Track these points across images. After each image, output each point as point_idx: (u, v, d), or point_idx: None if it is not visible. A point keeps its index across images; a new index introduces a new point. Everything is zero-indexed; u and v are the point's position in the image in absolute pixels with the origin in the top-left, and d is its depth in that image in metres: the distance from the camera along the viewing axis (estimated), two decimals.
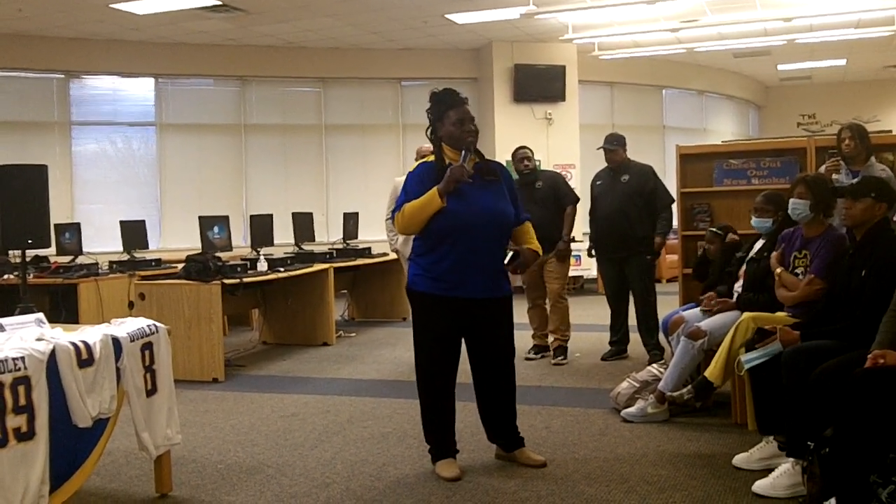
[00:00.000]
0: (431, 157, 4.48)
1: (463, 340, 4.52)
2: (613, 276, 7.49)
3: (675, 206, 7.38)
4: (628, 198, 7.26)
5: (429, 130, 4.51)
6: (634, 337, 7.52)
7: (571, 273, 12.34)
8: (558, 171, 10.52)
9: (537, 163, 7.58)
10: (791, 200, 4.89)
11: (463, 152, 4.33)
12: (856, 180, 4.95)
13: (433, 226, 4.27)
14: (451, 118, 4.38)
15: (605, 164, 7.53)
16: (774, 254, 5.01)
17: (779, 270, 4.90)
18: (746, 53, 14.99)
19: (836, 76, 17.99)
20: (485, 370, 4.55)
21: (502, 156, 12.85)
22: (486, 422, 4.66)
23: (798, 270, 4.84)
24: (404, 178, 7.46)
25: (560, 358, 7.42)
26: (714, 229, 6.27)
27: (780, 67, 16.91)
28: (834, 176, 5.75)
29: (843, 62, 16.29)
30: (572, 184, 13.35)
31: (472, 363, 4.57)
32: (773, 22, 11.87)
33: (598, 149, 7.56)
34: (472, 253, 4.29)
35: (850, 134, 5.84)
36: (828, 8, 11.20)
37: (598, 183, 7.56)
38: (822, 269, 4.64)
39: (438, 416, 4.50)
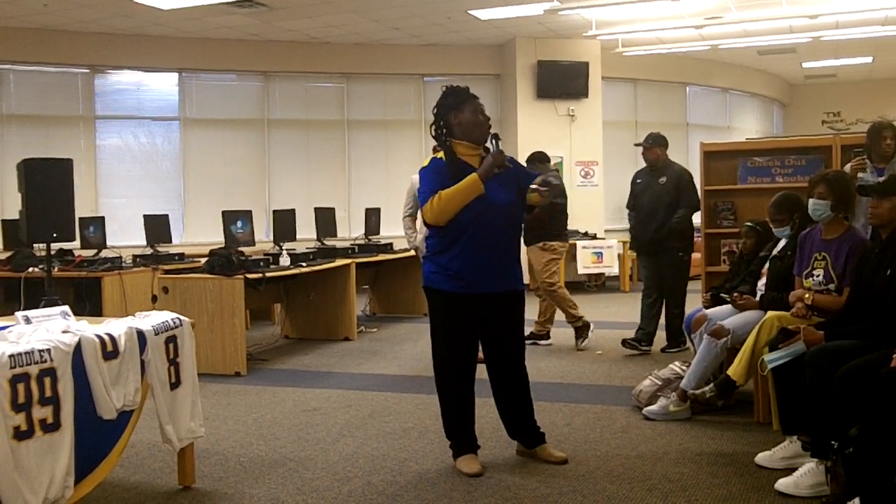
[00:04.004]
0: (440, 154, 4.45)
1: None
2: (648, 269, 7.77)
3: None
4: (661, 199, 7.50)
5: (433, 127, 4.50)
6: (661, 335, 7.64)
7: (594, 270, 12.41)
8: (580, 168, 10.60)
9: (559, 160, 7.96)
10: (811, 201, 4.82)
11: (494, 142, 4.37)
12: (882, 179, 4.90)
13: (455, 220, 4.27)
14: (471, 108, 4.40)
15: (634, 162, 7.84)
16: (795, 293, 4.90)
17: (807, 296, 4.77)
18: (771, 51, 14.89)
19: (861, 74, 17.84)
20: (500, 365, 4.56)
21: (524, 152, 12.88)
22: (505, 418, 4.67)
23: (816, 272, 4.79)
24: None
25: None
26: (750, 223, 6.12)
27: (805, 65, 16.79)
28: (859, 174, 5.70)
29: (869, 60, 16.14)
30: (595, 180, 13.41)
31: (488, 359, 4.58)
32: (798, 19, 11.77)
33: (636, 145, 7.95)
34: (488, 247, 4.31)
35: (892, 133, 5.78)
36: (854, 5, 11.10)
37: (638, 182, 7.84)
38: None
39: (458, 412, 4.51)
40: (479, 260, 4.30)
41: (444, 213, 4.25)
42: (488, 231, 4.29)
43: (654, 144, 7.66)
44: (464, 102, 4.41)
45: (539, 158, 8.00)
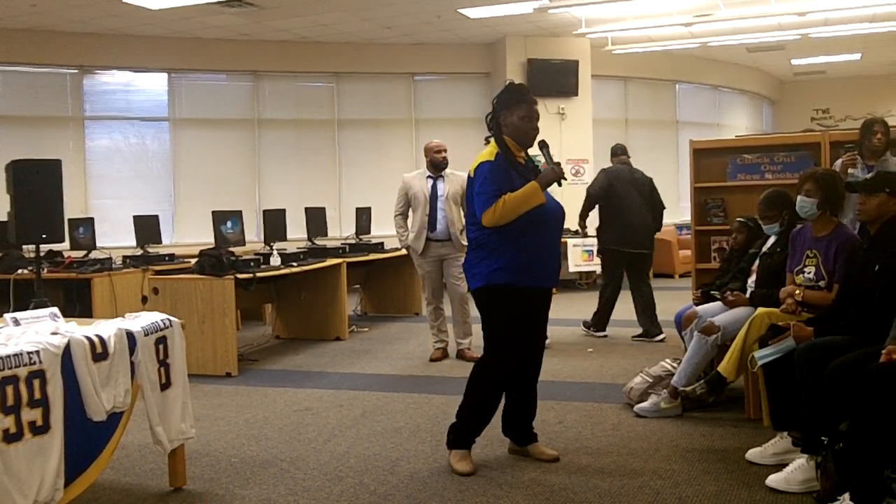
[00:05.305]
0: (495, 147, 4.41)
1: None
2: None
3: (687, 201, 7.56)
4: None
5: (488, 117, 4.50)
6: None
7: (585, 268, 12.43)
8: (570, 166, 10.67)
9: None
10: (799, 198, 4.84)
11: (545, 151, 4.48)
12: (869, 175, 4.92)
13: (520, 217, 4.26)
14: (522, 113, 4.39)
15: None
16: (785, 289, 4.92)
17: (798, 292, 4.79)
18: (760, 48, 14.92)
19: (850, 71, 17.89)
20: (529, 360, 4.56)
21: None
22: (507, 413, 4.64)
23: (808, 269, 4.80)
24: (413, 175, 7.58)
25: None
26: (742, 219, 6.13)
27: (794, 62, 16.84)
28: (850, 170, 5.72)
29: (857, 56, 16.19)
30: (585, 178, 13.44)
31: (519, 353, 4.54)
32: (787, 16, 11.80)
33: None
34: (548, 242, 4.36)
35: (884, 129, 5.83)
36: (842, 2, 11.12)
37: None
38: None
39: (490, 410, 4.48)
40: (542, 253, 4.34)
41: (505, 219, 4.24)
42: (549, 226, 4.37)
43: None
44: (517, 105, 4.40)
45: None
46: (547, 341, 7.70)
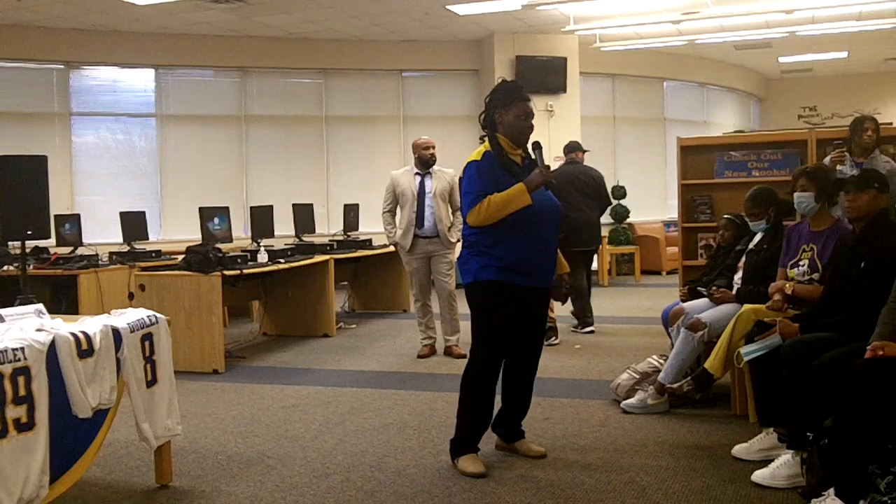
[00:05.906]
0: (486, 146, 4.40)
1: None
2: None
3: (675, 198, 7.57)
4: None
5: (482, 116, 4.49)
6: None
7: None
8: (558, 163, 10.63)
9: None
10: (795, 195, 4.85)
11: (538, 153, 4.40)
12: (857, 172, 4.95)
13: (512, 215, 4.24)
14: (517, 111, 4.36)
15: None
16: (775, 284, 4.93)
17: (788, 286, 4.80)
18: (748, 46, 14.96)
19: (837, 69, 17.95)
20: (522, 359, 4.55)
21: None
22: (502, 412, 4.63)
23: (801, 262, 4.81)
24: (401, 172, 7.58)
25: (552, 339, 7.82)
26: (729, 216, 6.14)
27: (781, 60, 16.88)
28: (839, 167, 5.75)
29: (844, 55, 16.25)
30: None
31: (511, 352, 4.52)
32: (774, 14, 11.83)
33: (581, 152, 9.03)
34: (541, 242, 4.33)
35: (874, 125, 5.87)
36: (829, 0, 11.16)
37: None
38: None
39: (487, 409, 4.45)
40: (535, 253, 4.31)
41: (490, 220, 4.23)
42: (543, 226, 4.32)
43: None
44: (512, 103, 4.37)
45: None
46: (556, 340, 7.78)
